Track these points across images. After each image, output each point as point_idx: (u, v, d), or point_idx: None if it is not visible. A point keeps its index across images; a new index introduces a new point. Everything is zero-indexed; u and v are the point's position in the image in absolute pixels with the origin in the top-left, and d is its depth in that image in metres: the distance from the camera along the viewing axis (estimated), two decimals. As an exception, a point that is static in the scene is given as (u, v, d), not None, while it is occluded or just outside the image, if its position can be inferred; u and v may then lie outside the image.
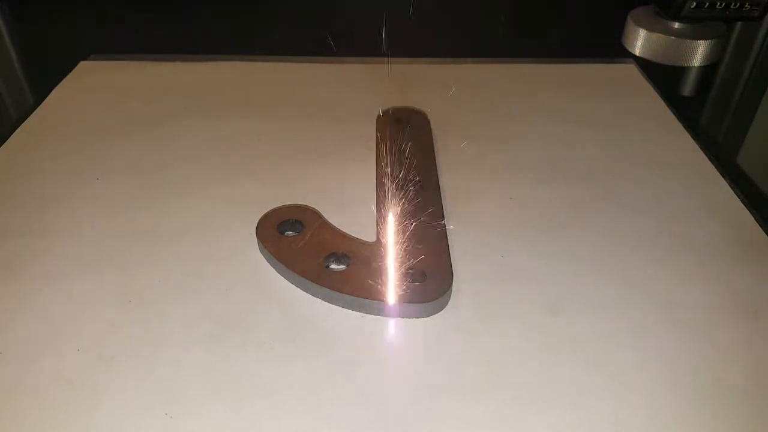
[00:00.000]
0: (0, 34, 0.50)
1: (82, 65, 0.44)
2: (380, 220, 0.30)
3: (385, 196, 0.31)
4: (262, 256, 0.28)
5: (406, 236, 0.28)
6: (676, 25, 0.45)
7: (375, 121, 0.37)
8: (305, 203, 0.31)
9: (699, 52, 0.44)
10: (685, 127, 0.39)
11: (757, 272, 0.28)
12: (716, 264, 0.28)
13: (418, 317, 0.25)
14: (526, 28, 0.55)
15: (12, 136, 0.36)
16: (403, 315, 0.25)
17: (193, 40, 0.50)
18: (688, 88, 0.49)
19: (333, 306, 0.26)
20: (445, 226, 0.29)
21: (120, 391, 0.22)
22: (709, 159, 0.36)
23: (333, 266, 0.27)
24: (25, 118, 0.38)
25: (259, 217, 0.29)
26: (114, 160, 0.34)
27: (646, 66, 0.45)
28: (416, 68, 0.45)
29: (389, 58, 0.46)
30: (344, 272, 0.26)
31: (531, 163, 0.35)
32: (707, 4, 0.40)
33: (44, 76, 0.45)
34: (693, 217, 0.31)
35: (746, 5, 0.40)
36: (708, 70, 0.48)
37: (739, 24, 0.49)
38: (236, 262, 0.28)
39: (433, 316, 0.25)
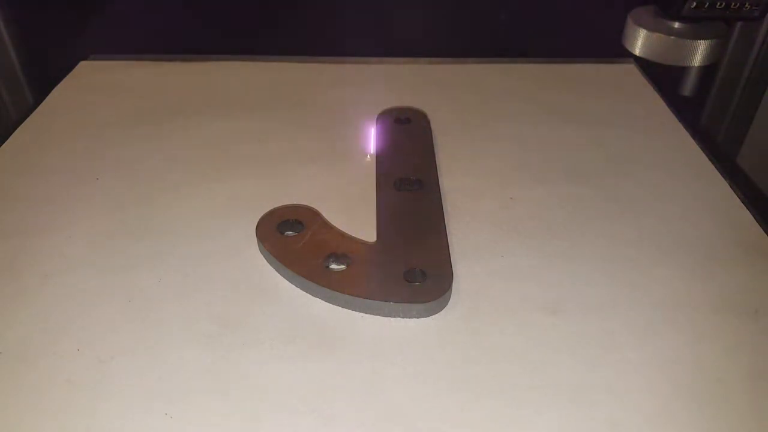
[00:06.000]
0: (0, 34, 0.50)
1: (82, 65, 0.44)
2: (380, 220, 0.30)
3: (385, 196, 0.31)
4: (262, 256, 0.28)
5: (406, 236, 0.28)
6: (676, 25, 0.45)
7: (375, 121, 0.37)
8: (305, 203, 0.31)
9: (699, 52, 0.44)
10: (685, 127, 0.39)
11: (757, 272, 0.28)
12: (716, 264, 0.28)
13: (418, 317, 0.25)
14: (526, 27, 0.55)
15: (12, 136, 0.36)
16: (404, 315, 0.25)
17: (193, 40, 0.50)
18: (688, 88, 0.49)
19: (333, 306, 0.26)
20: (444, 225, 0.29)
21: (120, 391, 0.22)
22: (709, 159, 0.36)
23: (333, 266, 0.27)
24: (25, 118, 0.38)
25: (259, 217, 0.30)
26: (114, 160, 0.34)
27: (646, 66, 0.45)
28: (416, 68, 0.45)
29: (389, 59, 0.46)
30: (344, 272, 0.26)
31: (531, 163, 0.35)
32: (707, 4, 0.40)
33: (44, 76, 0.45)
34: (693, 217, 0.31)
35: (746, 5, 0.40)
36: (708, 70, 0.48)
37: (739, 24, 0.49)
38: (236, 262, 0.28)
39: (433, 316, 0.25)
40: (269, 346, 0.24)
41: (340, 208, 0.31)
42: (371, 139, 0.36)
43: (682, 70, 0.48)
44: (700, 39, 0.43)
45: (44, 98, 0.40)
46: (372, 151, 0.35)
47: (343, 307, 0.26)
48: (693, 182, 0.34)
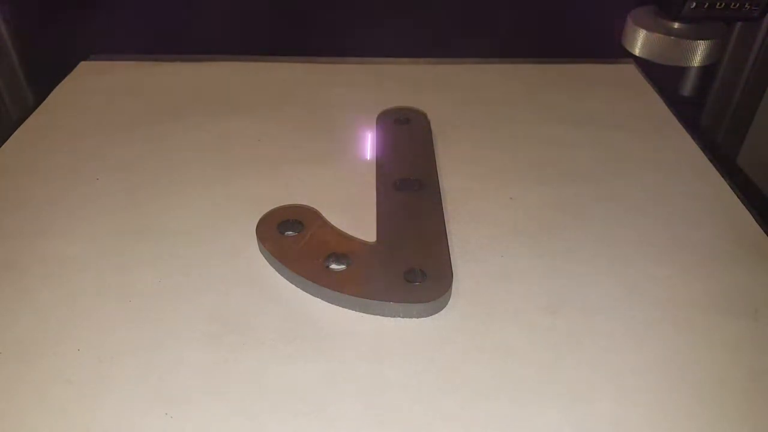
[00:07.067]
0: (0, 34, 0.50)
1: (82, 65, 0.44)
2: (380, 220, 0.30)
3: (385, 196, 0.31)
4: (262, 256, 0.28)
5: (406, 236, 0.28)
6: (676, 25, 0.45)
7: (375, 121, 0.37)
8: (305, 203, 0.31)
9: (699, 52, 0.44)
10: (685, 127, 0.39)
11: (757, 272, 0.28)
12: (716, 264, 0.28)
13: (418, 317, 0.25)
14: (526, 27, 0.55)
15: (12, 136, 0.36)
16: (403, 315, 0.25)
17: (193, 40, 0.50)
18: (688, 88, 0.49)
19: (333, 306, 0.26)
20: (444, 225, 0.29)
21: (120, 391, 0.22)
22: (709, 159, 0.36)
23: (333, 266, 0.27)
24: (25, 118, 0.38)
25: (259, 217, 0.30)
26: (114, 160, 0.34)
27: (645, 66, 0.45)
28: (416, 68, 0.45)
29: (389, 59, 0.46)
30: (344, 272, 0.26)
31: (531, 163, 0.35)
32: (707, 4, 0.40)
33: (44, 76, 0.45)
34: (693, 217, 0.31)
35: (746, 5, 0.40)
36: (708, 70, 0.48)
37: (739, 24, 0.49)
38: (236, 262, 0.28)
39: (433, 316, 0.25)
40: (269, 346, 0.24)
41: (340, 208, 0.31)
42: (371, 141, 0.36)
43: (682, 70, 0.48)
44: (699, 39, 0.43)
45: (44, 98, 0.40)
46: (372, 151, 0.35)
47: (343, 307, 0.26)
48: (693, 182, 0.34)
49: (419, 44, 0.49)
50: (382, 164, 0.34)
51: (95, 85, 0.42)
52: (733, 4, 0.40)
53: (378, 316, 0.25)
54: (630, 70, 0.45)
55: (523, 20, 0.55)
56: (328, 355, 0.24)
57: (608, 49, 0.48)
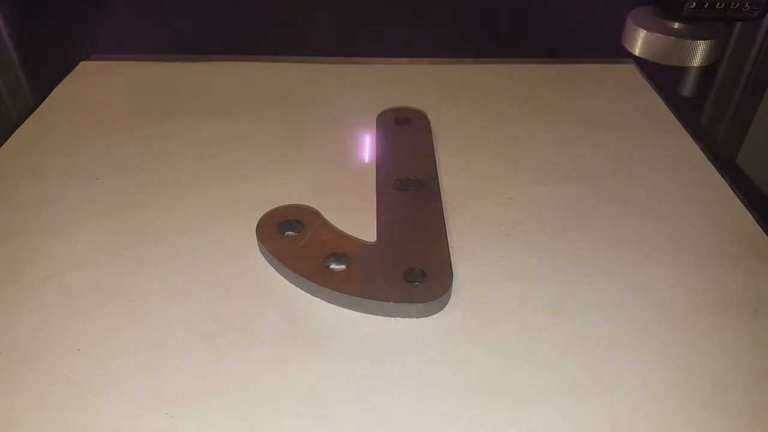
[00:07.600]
0: (0, 34, 0.50)
1: (82, 65, 0.44)
2: (380, 220, 0.30)
3: (385, 196, 0.31)
4: (262, 256, 0.28)
5: (406, 236, 0.28)
6: (676, 25, 0.45)
7: (375, 121, 0.37)
8: (305, 203, 0.31)
9: (699, 52, 0.44)
10: (685, 127, 0.39)
11: (757, 272, 0.28)
12: (716, 264, 0.28)
13: (418, 317, 0.25)
14: (526, 28, 0.55)
15: (12, 136, 0.36)
16: (403, 315, 0.25)
17: (193, 40, 0.50)
18: (688, 88, 0.49)
19: (333, 306, 0.26)
20: (444, 225, 0.29)
21: (120, 391, 0.22)
22: (709, 159, 0.36)
23: (333, 266, 0.27)
24: (25, 118, 0.38)
25: (259, 217, 0.30)
26: (114, 160, 0.34)
27: (646, 66, 0.45)
28: (416, 68, 0.45)
29: (389, 59, 0.46)
30: (344, 272, 0.26)
31: (531, 163, 0.35)
32: (707, 4, 0.40)
33: (44, 76, 0.45)
34: (693, 217, 0.31)
35: (746, 5, 0.40)
36: (708, 70, 0.48)
37: (739, 24, 0.49)
38: (236, 262, 0.28)
39: (433, 316, 0.25)
40: (269, 346, 0.24)
41: (340, 208, 0.31)
42: (371, 141, 0.36)
43: (682, 70, 0.48)
44: (699, 39, 0.43)
45: (44, 98, 0.40)
46: (372, 151, 0.35)
47: (343, 307, 0.26)
48: (693, 182, 0.34)
49: (419, 44, 0.49)
50: (382, 164, 0.34)
51: (95, 85, 0.42)
52: (733, 4, 0.40)
53: (378, 316, 0.25)
54: (630, 70, 0.45)
55: (523, 20, 0.55)
56: (328, 355, 0.24)
57: (608, 49, 0.48)
